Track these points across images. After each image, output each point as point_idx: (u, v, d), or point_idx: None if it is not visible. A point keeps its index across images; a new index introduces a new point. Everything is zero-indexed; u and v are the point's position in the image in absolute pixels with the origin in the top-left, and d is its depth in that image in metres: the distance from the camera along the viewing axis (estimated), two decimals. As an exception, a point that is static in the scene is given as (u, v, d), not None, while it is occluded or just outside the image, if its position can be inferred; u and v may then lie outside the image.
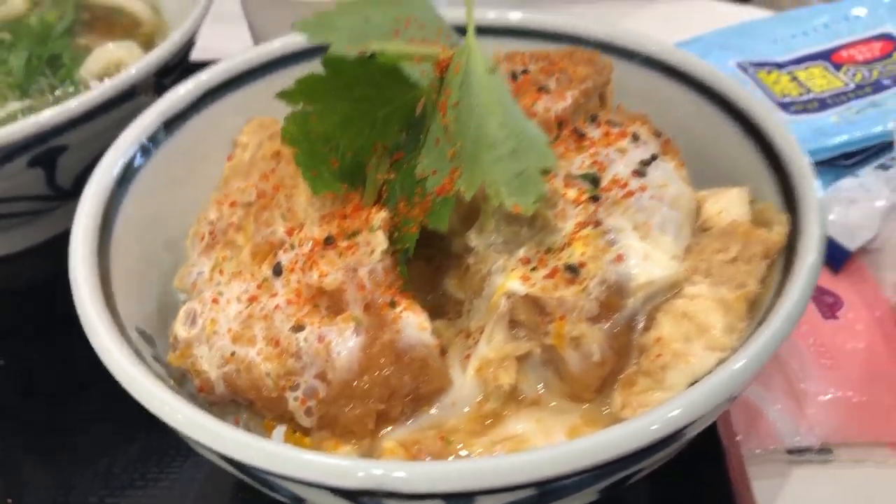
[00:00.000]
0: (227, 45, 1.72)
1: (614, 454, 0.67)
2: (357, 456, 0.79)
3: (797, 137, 1.31)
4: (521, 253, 0.83)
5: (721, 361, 0.77)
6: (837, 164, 1.33)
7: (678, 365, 0.78)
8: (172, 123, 1.05)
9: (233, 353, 0.80)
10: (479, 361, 0.81)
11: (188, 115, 1.07)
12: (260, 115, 1.12)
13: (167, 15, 1.46)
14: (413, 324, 0.79)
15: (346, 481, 0.67)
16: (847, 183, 1.28)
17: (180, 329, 0.84)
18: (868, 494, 1.00)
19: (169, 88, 1.08)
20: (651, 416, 0.69)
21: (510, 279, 0.81)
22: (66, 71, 1.30)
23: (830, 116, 1.37)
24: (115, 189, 0.96)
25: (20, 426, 1.11)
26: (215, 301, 0.84)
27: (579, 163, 0.90)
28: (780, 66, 1.50)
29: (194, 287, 0.91)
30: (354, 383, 0.78)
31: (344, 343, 0.78)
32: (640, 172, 0.88)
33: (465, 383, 0.81)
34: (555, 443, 0.77)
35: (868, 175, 1.28)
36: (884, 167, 1.29)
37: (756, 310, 0.84)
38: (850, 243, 1.21)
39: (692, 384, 0.77)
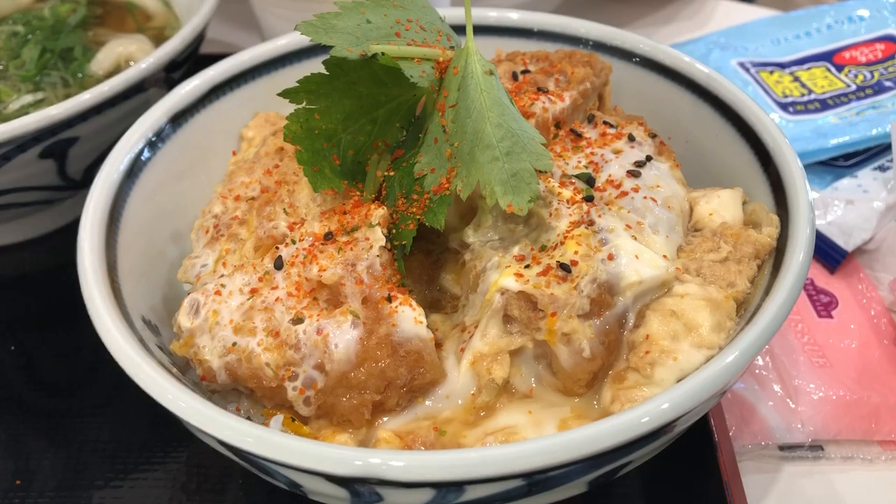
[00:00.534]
0: (237, 39, 1.75)
1: (603, 446, 0.69)
2: (354, 444, 0.81)
3: (797, 137, 1.34)
4: (516, 250, 0.85)
5: (709, 359, 0.79)
6: (836, 164, 1.34)
7: (666, 362, 0.79)
8: (179, 118, 1.07)
9: (234, 344, 0.83)
10: (473, 355, 0.83)
11: (195, 110, 1.09)
12: (266, 110, 1.14)
13: (178, 10, 1.47)
14: (409, 317, 0.81)
15: (343, 469, 0.69)
16: (845, 183, 1.29)
17: (184, 319, 0.86)
18: (857, 491, 1.01)
19: (178, 82, 1.10)
20: (640, 409, 0.71)
21: (504, 276, 0.83)
22: (77, 64, 1.32)
23: (830, 117, 1.38)
24: (122, 182, 0.98)
25: (29, 411, 1.13)
26: (218, 292, 0.86)
27: (575, 162, 0.92)
28: (782, 66, 1.50)
29: (198, 279, 0.93)
30: (351, 374, 0.80)
31: (342, 335, 0.80)
32: (634, 173, 0.90)
33: (459, 376, 0.83)
34: (545, 435, 0.79)
35: (866, 176, 1.30)
36: (882, 168, 1.30)
37: (745, 309, 0.85)
38: (847, 243, 1.22)
39: (680, 380, 0.78)
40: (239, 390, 0.87)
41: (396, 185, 0.87)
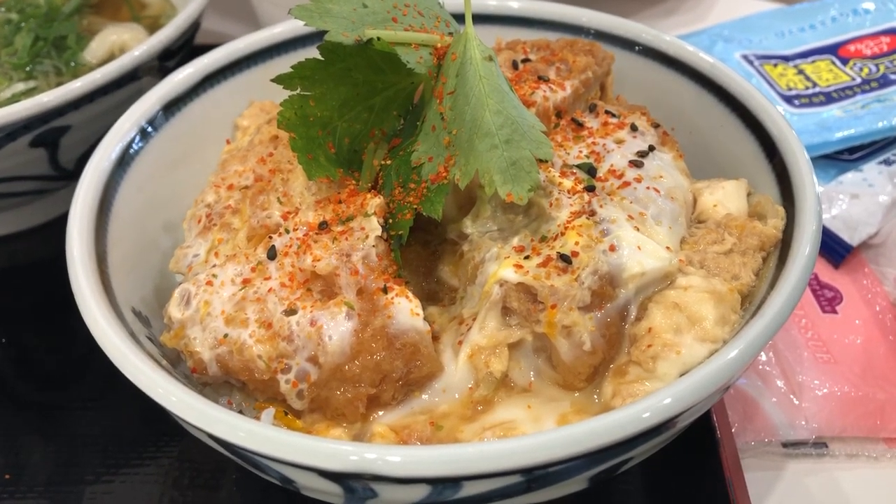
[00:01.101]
0: (234, 31, 1.74)
1: (604, 442, 0.68)
2: (348, 439, 0.80)
3: (801, 131, 1.32)
4: (516, 241, 0.83)
5: (712, 353, 0.77)
6: (841, 158, 1.33)
7: (669, 355, 0.78)
8: (172, 107, 1.06)
9: (226, 335, 0.81)
10: (471, 348, 0.81)
11: (188, 98, 1.07)
12: (261, 99, 1.13)
13: (174, -2, 1.46)
14: (405, 309, 0.80)
15: (337, 464, 0.67)
16: (850, 177, 1.28)
17: (174, 310, 0.84)
18: (862, 489, 1.00)
19: (172, 71, 1.08)
20: (642, 404, 0.69)
21: (503, 267, 0.81)
22: (71, 53, 1.30)
23: (835, 110, 1.37)
24: (113, 171, 0.97)
25: (20, 404, 1.12)
26: (209, 283, 0.84)
27: (576, 152, 0.91)
28: (786, 59, 1.49)
29: (189, 269, 0.92)
30: (346, 367, 0.79)
31: (336, 327, 0.79)
32: (636, 163, 0.89)
33: (456, 369, 0.81)
34: (544, 430, 0.78)
35: (871, 170, 1.28)
36: (887, 162, 1.29)
37: (750, 302, 0.84)
38: (852, 238, 1.20)
39: (683, 374, 0.77)
40: (231, 383, 0.85)
41: (393, 174, 0.86)
